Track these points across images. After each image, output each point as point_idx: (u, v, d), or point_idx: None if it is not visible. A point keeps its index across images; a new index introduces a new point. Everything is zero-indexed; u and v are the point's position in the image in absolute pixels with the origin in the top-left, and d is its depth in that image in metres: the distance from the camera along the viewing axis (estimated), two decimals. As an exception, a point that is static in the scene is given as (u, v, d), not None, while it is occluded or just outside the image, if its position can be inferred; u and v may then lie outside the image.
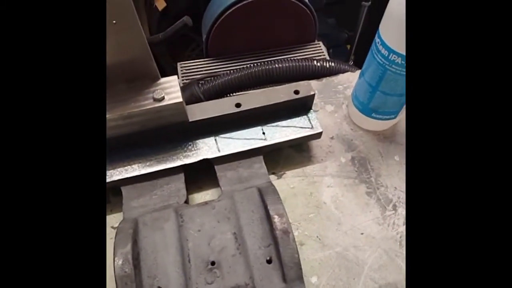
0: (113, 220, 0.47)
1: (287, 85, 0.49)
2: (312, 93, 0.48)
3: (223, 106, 0.47)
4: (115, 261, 0.36)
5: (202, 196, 0.49)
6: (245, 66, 0.59)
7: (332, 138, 0.56)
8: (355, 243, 0.46)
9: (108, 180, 0.44)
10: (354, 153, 0.54)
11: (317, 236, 0.46)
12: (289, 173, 0.52)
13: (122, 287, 0.35)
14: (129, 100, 0.41)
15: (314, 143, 0.55)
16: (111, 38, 0.36)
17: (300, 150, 0.54)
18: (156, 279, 0.37)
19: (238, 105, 0.47)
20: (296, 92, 0.48)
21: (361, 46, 1.19)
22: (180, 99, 0.41)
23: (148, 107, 0.40)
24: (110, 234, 0.46)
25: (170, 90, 0.41)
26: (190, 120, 0.45)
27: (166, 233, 0.40)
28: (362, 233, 0.47)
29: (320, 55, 0.82)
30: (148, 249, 0.39)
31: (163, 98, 0.41)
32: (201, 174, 0.49)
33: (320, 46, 0.82)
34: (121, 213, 0.48)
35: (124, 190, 0.45)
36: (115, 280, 0.35)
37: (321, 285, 0.43)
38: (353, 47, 1.20)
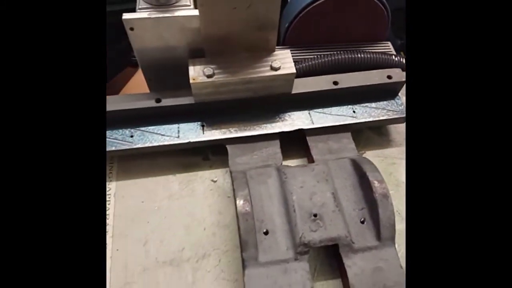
0: (212, 175, 0.53)
1: (380, 70, 0.53)
2: (403, 79, 0.52)
3: (322, 83, 0.51)
4: (236, 201, 0.41)
5: (292, 164, 0.54)
6: (330, 53, 0.64)
7: (409, 126, 0.60)
8: (433, 220, 0.49)
9: (215, 138, 0.50)
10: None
11: (397, 211, 0.50)
12: (369, 153, 0.56)
13: (243, 222, 0.40)
14: (250, 67, 0.46)
15: (393, 129, 0.59)
16: (246, 10, 0.41)
17: (380, 134, 0.58)
18: (264, 223, 0.42)
19: (335, 82, 0.51)
20: (389, 77, 0.52)
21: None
22: (294, 70, 0.46)
23: (266, 74, 0.46)
24: (210, 186, 0.52)
25: (284, 61, 0.47)
26: (292, 92, 0.50)
27: (270, 186, 0.45)
28: (439, 213, 0.50)
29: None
30: (255, 198, 0.44)
31: (279, 68, 0.46)
32: (292, 145, 0.54)
33: (389, 46, 0.86)
34: (219, 169, 0.54)
35: (229, 148, 0.50)
36: (237, 217, 0.40)
37: (400, 252, 0.46)
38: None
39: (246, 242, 0.40)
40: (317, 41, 0.82)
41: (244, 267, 0.40)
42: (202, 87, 0.45)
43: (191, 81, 0.45)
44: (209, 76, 0.45)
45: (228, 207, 0.50)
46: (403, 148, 0.57)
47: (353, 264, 0.41)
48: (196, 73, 0.45)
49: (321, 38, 0.82)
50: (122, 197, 0.50)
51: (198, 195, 0.51)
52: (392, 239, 0.42)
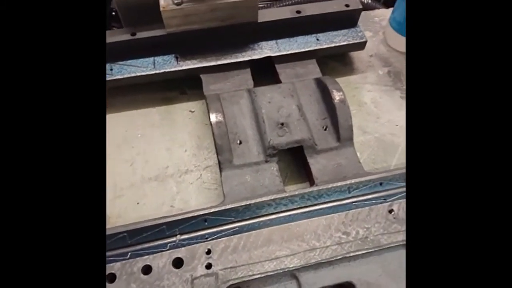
0: (190, 106, 0.57)
1: (338, 0, 0.57)
2: (359, 7, 0.57)
3: (285, 12, 0.55)
4: (210, 114, 0.46)
5: (262, 93, 0.59)
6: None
7: (371, 56, 0.64)
8: (391, 131, 0.55)
9: (188, 67, 0.54)
10: (390, 68, 0.63)
11: (359, 126, 0.56)
12: (334, 80, 0.61)
13: (217, 129, 0.45)
14: (216, -4, 0.49)
15: (356, 58, 0.64)
16: None
17: (344, 63, 0.63)
18: (237, 135, 0.47)
19: (298, 11, 0.55)
20: (347, 5, 0.56)
21: None
22: (256, -3, 0.50)
23: (230, 0, 0.49)
24: (188, 115, 0.56)
25: (248, -11, 0.50)
26: (258, 21, 0.54)
27: (242, 105, 0.50)
28: (397, 125, 0.56)
29: None
30: (228, 116, 0.49)
31: (243, -6, 0.49)
32: (262, 73, 0.58)
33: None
34: (196, 101, 0.58)
35: (203, 77, 0.54)
36: (211, 127, 0.45)
37: (362, 158, 0.52)
38: None
39: (220, 146, 0.45)
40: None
41: (220, 169, 0.45)
42: (172, 15, 0.49)
43: (161, 9, 0.48)
44: (178, 4, 0.48)
45: (206, 132, 0.54)
46: (365, 74, 0.62)
47: (316, 162, 0.46)
48: (166, 2, 0.48)
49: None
50: (108, 128, 0.53)
51: (178, 123, 0.55)
52: (350, 139, 0.47)
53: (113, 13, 0.88)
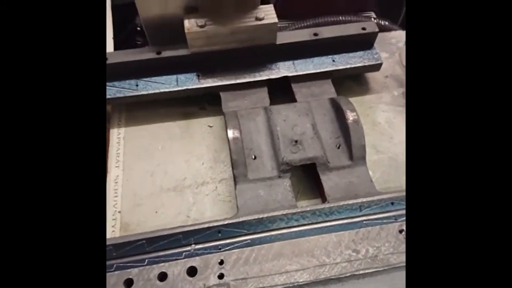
0: (208, 121, 0.60)
1: (355, 23, 0.59)
2: (376, 30, 0.59)
3: (304, 34, 0.58)
4: (227, 130, 0.48)
5: (278, 110, 0.61)
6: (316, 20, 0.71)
7: (386, 76, 0.66)
8: (403, 151, 0.56)
9: (209, 85, 0.57)
10: (405, 89, 0.64)
11: (372, 145, 0.57)
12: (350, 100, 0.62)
13: (233, 145, 0.47)
14: (237, 19, 0.53)
15: (371, 79, 0.65)
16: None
17: (359, 83, 0.65)
18: (253, 150, 0.49)
19: (315, 34, 0.58)
20: (364, 28, 0.58)
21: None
22: (276, 20, 0.53)
23: (251, 23, 0.52)
24: (207, 130, 0.59)
25: (268, 13, 0.53)
26: (277, 43, 0.57)
27: (258, 122, 0.52)
28: (410, 145, 0.56)
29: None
30: (245, 132, 0.51)
31: (263, 18, 0.52)
32: (278, 93, 0.60)
33: (372, 14, 0.92)
34: (214, 117, 0.60)
35: (222, 94, 0.57)
36: (228, 143, 0.47)
37: (375, 177, 0.53)
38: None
39: (236, 161, 0.47)
40: (304, 13, 0.89)
41: (235, 183, 0.47)
42: (195, 37, 0.52)
43: (186, 31, 0.51)
44: (201, 26, 0.51)
45: (223, 146, 0.57)
46: (380, 95, 0.63)
47: (329, 180, 0.47)
48: (190, 24, 0.52)
49: (308, 10, 0.88)
50: (130, 140, 0.57)
51: (197, 137, 0.58)
52: (363, 158, 0.49)
53: (138, 28, 0.94)
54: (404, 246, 0.41)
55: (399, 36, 0.73)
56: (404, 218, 0.44)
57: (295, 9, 0.88)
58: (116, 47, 0.72)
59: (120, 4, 0.82)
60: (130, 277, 0.40)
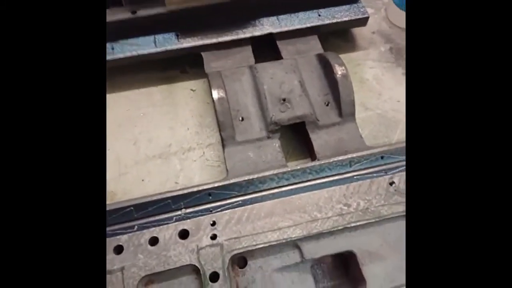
0: (191, 85, 0.57)
1: (341, -26, 0.56)
2: (362, -19, 0.56)
3: (287, -13, 0.55)
4: (212, 90, 0.46)
5: (263, 71, 0.58)
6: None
7: (373, 32, 0.64)
8: (392, 108, 0.55)
9: (189, 45, 0.54)
10: (392, 45, 0.62)
11: (361, 102, 0.56)
12: (336, 57, 0.61)
13: (219, 106, 0.45)
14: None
15: (358, 35, 0.63)
16: None
17: (345, 40, 0.63)
18: (240, 111, 0.48)
19: (300, -13, 0.55)
20: (349, -21, 0.56)
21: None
22: (257, -29, 0.49)
23: (231, -25, 0.49)
24: (190, 94, 0.56)
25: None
26: (259, -3, 0.53)
27: (244, 82, 0.50)
28: (398, 101, 0.56)
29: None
30: (230, 93, 0.49)
31: (243, -31, 0.49)
32: (263, 51, 0.58)
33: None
34: (197, 80, 0.58)
35: (204, 54, 0.54)
36: (213, 104, 0.45)
37: (364, 134, 0.52)
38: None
39: (223, 123, 0.45)
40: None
41: (223, 146, 0.45)
42: (172, -9, 0.48)
43: (161, -14, 0.47)
44: (177, -20, 0.47)
45: (208, 111, 0.55)
46: (367, 51, 0.61)
47: (318, 138, 0.47)
48: (166, -22, 0.48)
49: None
50: (109, 108, 0.54)
51: (179, 102, 0.56)
52: (352, 114, 0.48)
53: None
54: (395, 197, 0.42)
55: (384, -9, 0.71)
56: (395, 171, 0.44)
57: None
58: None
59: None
60: (120, 243, 0.39)
